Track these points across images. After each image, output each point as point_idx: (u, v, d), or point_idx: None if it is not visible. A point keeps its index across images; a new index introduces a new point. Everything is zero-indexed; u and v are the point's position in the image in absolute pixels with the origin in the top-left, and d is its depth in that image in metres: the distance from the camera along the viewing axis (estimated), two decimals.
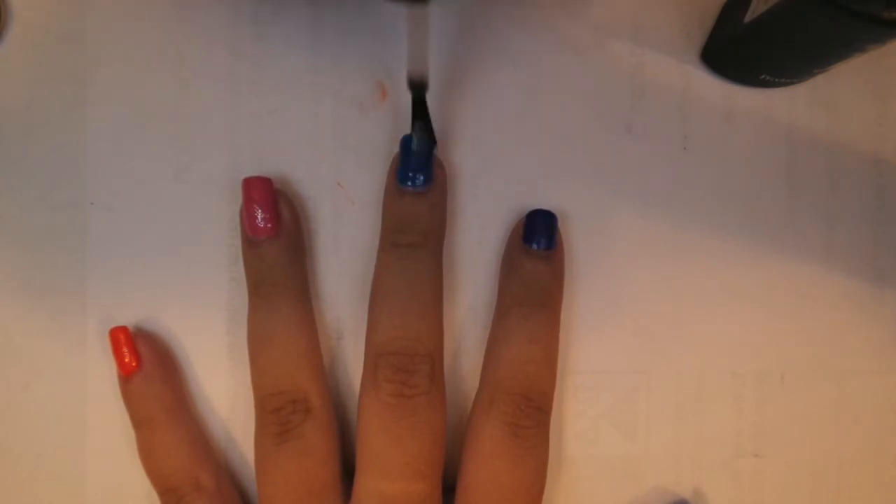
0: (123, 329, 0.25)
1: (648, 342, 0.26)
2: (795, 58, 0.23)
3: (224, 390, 0.26)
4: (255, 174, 0.24)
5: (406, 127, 0.24)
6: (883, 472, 0.27)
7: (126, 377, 0.24)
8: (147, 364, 0.24)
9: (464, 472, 0.24)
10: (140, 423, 0.24)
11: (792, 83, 0.26)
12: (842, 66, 0.23)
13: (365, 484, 0.23)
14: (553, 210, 0.25)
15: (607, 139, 0.26)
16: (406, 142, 0.24)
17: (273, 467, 0.23)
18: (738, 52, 0.25)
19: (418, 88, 0.22)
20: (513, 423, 0.23)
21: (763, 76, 0.25)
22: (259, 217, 0.24)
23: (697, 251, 0.26)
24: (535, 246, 0.24)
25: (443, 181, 0.25)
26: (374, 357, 0.23)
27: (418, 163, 0.24)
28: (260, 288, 0.24)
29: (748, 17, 0.23)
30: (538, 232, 0.25)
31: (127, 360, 0.24)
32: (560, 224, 0.25)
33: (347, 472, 0.25)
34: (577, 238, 0.26)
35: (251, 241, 0.24)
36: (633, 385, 0.27)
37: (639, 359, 0.27)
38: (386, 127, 0.26)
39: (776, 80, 0.25)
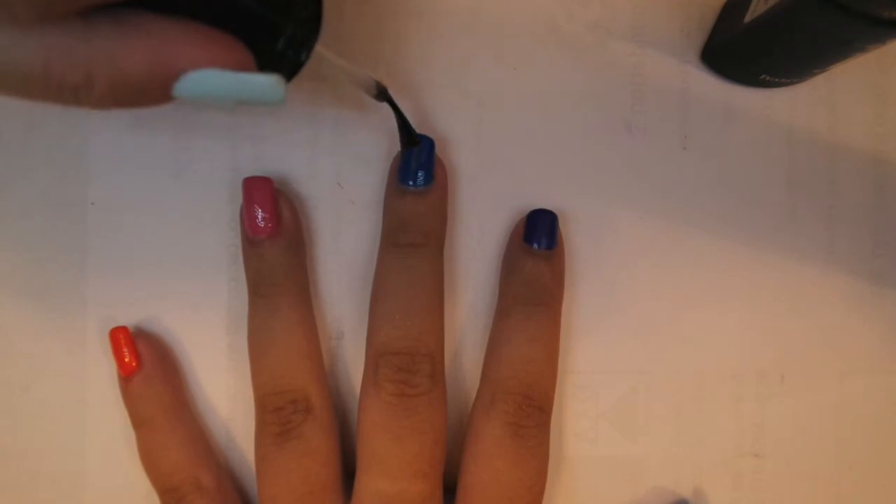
0: (123, 329, 0.25)
1: (648, 342, 0.26)
2: (795, 58, 0.23)
3: (224, 390, 0.26)
4: (255, 174, 0.24)
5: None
6: (883, 473, 0.27)
7: (126, 377, 0.24)
8: (147, 364, 0.24)
9: (465, 472, 0.24)
10: (140, 423, 0.24)
11: (792, 83, 0.26)
12: (842, 66, 0.23)
13: (366, 483, 0.23)
14: (553, 210, 0.25)
15: (607, 139, 0.26)
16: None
17: (274, 467, 0.23)
18: (738, 52, 0.25)
19: (382, 95, 0.23)
20: (514, 422, 0.23)
21: (763, 76, 0.25)
22: (259, 217, 0.24)
23: (697, 251, 0.26)
24: (536, 245, 0.24)
25: (443, 181, 0.25)
26: (375, 357, 0.23)
27: (420, 162, 0.24)
28: (260, 288, 0.24)
29: (748, 17, 0.23)
30: (539, 231, 0.25)
31: (127, 360, 0.24)
32: (560, 224, 0.25)
33: (348, 471, 0.25)
34: (577, 238, 0.26)
35: (251, 241, 0.24)
36: (633, 385, 0.27)
37: (639, 359, 0.27)
38: (386, 127, 0.26)
39: (776, 80, 0.25)
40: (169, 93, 0.17)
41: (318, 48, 0.19)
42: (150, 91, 0.17)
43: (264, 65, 0.19)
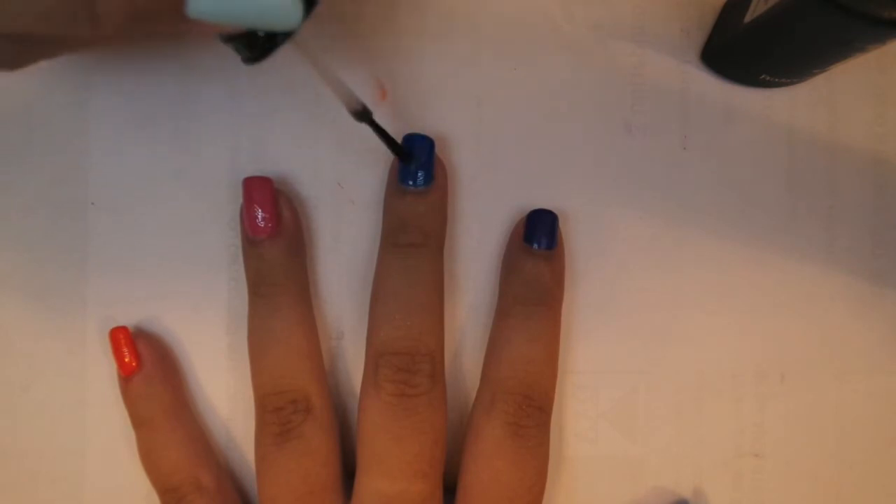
0: (123, 329, 0.25)
1: (648, 342, 0.26)
2: (795, 58, 0.23)
3: (224, 390, 0.26)
4: (255, 174, 0.24)
5: (406, 127, 0.24)
6: (883, 473, 0.27)
7: (126, 377, 0.24)
8: (147, 364, 0.24)
9: (465, 472, 0.24)
10: (140, 423, 0.24)
11: (792, 83, 0.26)
12: (842, 66, 0.23)
13: (366, 484, 0.23)
14: (553, 210, 0.25)
15: (607, 139, 0.26)
16: (407, 141, 0.24)
17: (274, 467, 0.23)
18: (738, 52, 0.25)
19: (362, 116, 0.22)
20: (514, 422, 0.23)
21: (763, 76, 0.25)
22: (259, 217, 0.24)
23: (697, 251, 0.26)
24: (536, 245, 0.24)
25: (443, 181, 0.25)
26: (375, 357, 0.23)
27: (420, 162, 0.24)
28: (260, 288, 0.24)
29: (748, 17, 0.23)
30: (539, 231, 0.25)
31: (127, 360, 0.24)
32: (560, 224, 0.25)
33: (348, 472, 0.25)
34: (577, 238, 0.26)
35: (251, 241, 0.24)
36: (633, 385, 0.27)
37: (639, 359, 0.27)
38: (386, 126, 0.26)
39: (776, 80, 0.25)
40: (183, 9, 0.16)
41: (312, 48, 0.19)
42: (163, 6, 0.16)
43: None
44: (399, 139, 0.24)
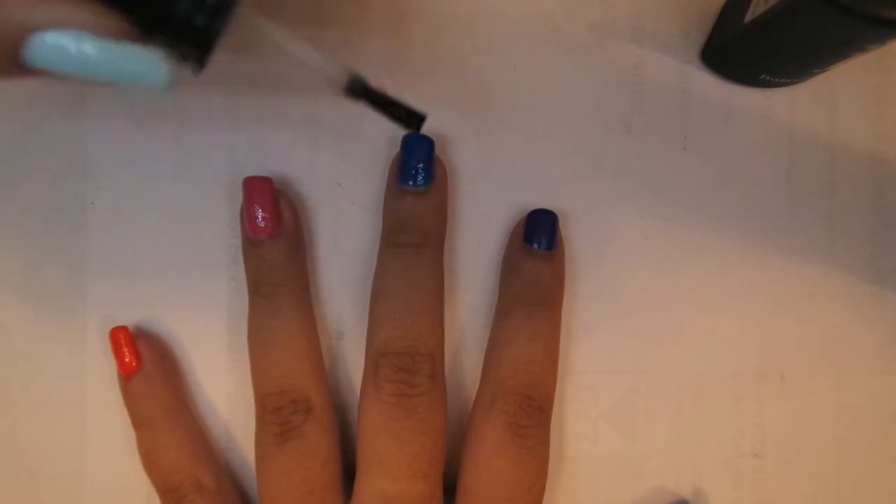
0: (124, 329, 0.25)
1: (648, 342, 0.26)
2: (795, 58, 0.23)
3: (224, 390, 0.26)
4: (255, 174, 0.24)
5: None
6: (883, 473, 0.27)
7: (126, 377, 0.24)
8: (147, 364, 0.24)
9: (465, 472, 0.24)
10: (140, 423, 0.24)
11: (792, 83, 0.26)
12: (842, 66, 0.23)
13: (366, 483, 0.23)
14: (553, 210, 0.25)
15: (607, 139, 0.26)
16: (407, 141, 0.24)
17: (274, 467, 0.23)
18: (738, 52, 0.25)
19: (356, 89, 0.19)
20: (514, 422, 0.23)
21: (763, 76, 0.25)
22: (259, 217, 0.24)
23: (697, 251, 0.26)
24: (535, 246, 0.24)
25: (443, 181, 0.25)
26: (375, 357, 0.23)
27: (419, 162, 0.24)
28: (260, 288, 0.24)
29: (748, 17, 0.23)
30: (539, 232, 0.25)
31: (127, 360, 0.24)
32: (560, 224, 0.25)
33: (348, 472, 0.25)
34: (577, 238, 0.26)
35: (252, 241, 0.24)
36: (633, 385, 0.27)
37: (639, 359, 0.27)
38: (386, 127, 0.26)
39: (776, 80, 0.25)
40: (18, 59, 0.13)
41: (262, 21, 0.16)
42: None
43: (170, 38, 0.15)
44: (399, 140, 0.24)
